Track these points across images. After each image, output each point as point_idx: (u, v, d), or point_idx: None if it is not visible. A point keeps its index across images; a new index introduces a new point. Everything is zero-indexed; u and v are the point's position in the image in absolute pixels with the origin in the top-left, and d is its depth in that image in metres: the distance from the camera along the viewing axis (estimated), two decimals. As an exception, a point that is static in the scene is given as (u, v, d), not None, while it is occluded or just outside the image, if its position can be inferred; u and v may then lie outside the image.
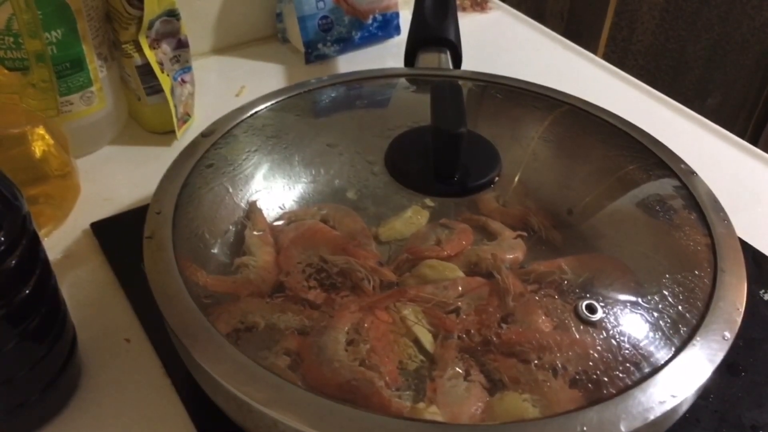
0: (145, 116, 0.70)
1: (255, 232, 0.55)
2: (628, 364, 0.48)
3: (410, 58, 0.69)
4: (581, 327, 0.50)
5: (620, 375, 0.47)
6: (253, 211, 0.57)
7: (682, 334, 0.49)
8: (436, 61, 0.68)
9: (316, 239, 0.54)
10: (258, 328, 0.49)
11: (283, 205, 0.60)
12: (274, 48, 0.85)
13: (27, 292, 0.40)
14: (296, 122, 0.61)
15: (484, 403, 0.46)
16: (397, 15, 0.85)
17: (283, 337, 0.48)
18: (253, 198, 0.58)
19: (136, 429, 0.46)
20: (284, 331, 0.49)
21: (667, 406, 0.39)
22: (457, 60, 0.69)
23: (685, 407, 0.42)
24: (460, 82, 0.65)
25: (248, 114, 0.59)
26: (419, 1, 0.72)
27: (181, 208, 0.53)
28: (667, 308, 0.52)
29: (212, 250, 0.54)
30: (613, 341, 0.49)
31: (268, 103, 0.60)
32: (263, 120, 0.60)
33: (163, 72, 0.67)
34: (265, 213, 0.57)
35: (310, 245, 0.54)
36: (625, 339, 0.49)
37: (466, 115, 0.54)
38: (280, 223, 0.58)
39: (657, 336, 0.50)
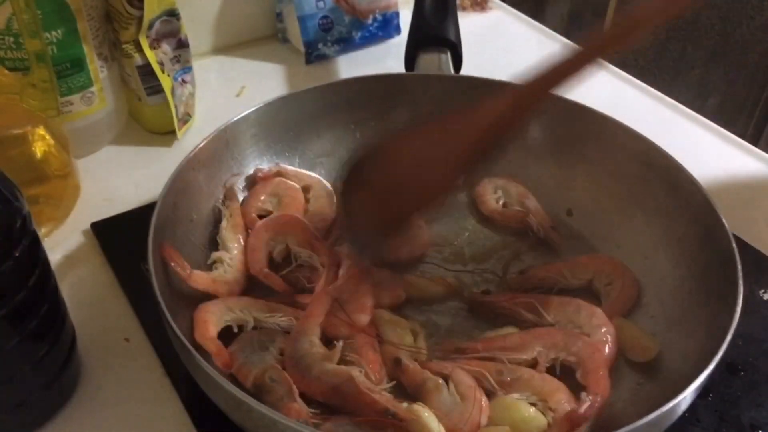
0: (145, 116, 0.70)
1: (229, 221, 0.55)
2: (626, 363, 0.48)
3: (410, 58, 0.69)
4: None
5: (619, 374, 0.47)
6: (228, 196, 0.57)
7: (680, 332, 0.49)
8: (436, 61, 0.67)
9: (286, 228, 0.55)
10: (247, 327, 0.49)
11: (276, 164, 0.61)
12: (274, 48, 0.85)
13: (27, 292, 0.40)
14: (297, 123, 0.61)
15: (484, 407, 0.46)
16: (397, 15, 0.85)
17: (276, 336, 0.49)
18: (230, 182, 0.58)
19: (136, 428, 0.46)
20: (274, 330, 0.49)
21: (667, 406, 0.39)
22: (458, 60, 0.69)
23: (684, 406, 0.42)
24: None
25: (249, 115, 0.59)
26: (419, 1, 0.72)
27: (183, 207, 0.53)
28: (667, 307, 0.52)
29: (202, 245, 0.55)
30: (612, 340, 0.49)
31: (269, 104, 0.60)
32: (264, 121, 0.60)
33: (163, 72, 0.67)
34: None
35: (280, 231, 0.55)
36: (624, 338, 0.49)
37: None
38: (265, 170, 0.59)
39: (656, 335, 0.50)
